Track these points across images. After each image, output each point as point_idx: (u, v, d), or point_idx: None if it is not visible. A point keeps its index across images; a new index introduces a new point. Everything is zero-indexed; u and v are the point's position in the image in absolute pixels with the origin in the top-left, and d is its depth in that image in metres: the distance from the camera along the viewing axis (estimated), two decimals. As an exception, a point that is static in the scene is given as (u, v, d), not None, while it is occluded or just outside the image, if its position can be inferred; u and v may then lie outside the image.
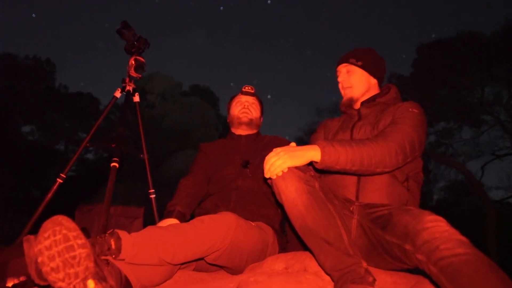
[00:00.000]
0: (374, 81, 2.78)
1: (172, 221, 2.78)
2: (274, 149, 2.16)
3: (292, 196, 2.04)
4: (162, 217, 2.88)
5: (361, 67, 2.75)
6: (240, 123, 3.41)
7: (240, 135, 3.42)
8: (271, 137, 3.46)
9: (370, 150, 2.19)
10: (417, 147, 2.33)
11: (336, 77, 2.86)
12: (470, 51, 19.44)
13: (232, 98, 3.57)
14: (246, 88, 3.51)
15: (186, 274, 2.40)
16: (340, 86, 2.84)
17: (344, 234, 2.01)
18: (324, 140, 2.24)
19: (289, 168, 2.08)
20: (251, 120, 3.43)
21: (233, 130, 3.50)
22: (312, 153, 2.14)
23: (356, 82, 2.75)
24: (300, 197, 2.03)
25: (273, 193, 2.23)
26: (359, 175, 2.41)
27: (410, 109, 2.47)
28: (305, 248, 2.18)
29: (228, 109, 3.56)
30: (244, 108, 3.44)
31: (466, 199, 22.68)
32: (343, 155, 2.14)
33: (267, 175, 2.15)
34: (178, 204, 2.92)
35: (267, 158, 2.15)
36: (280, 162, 2.09)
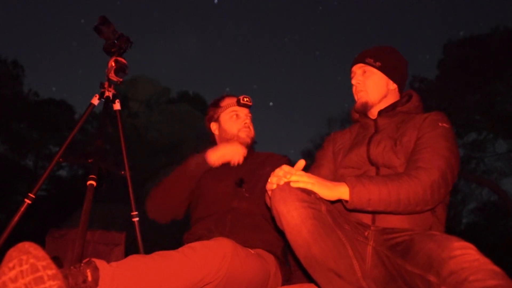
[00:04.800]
0: (393, 86, 2.74)
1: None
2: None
3: (295, 221, 2.03)
4: (146, 243, 2.86)
5: (379, 68, 2.70)
6: (241, 143, 3.31)
7: None
8: (267, 154, 3.44)
9: (409, 187, 2.17)
10: (456, 172, 2.33)
11: (350, 78, 2.82)
12: (506, 50, 19.40)
13: (217, 104, 3.47)
14: (245, 99, 3.37)
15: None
16: (354, 89, 2.80)
17: (356, 265, 2.00)
18: (354, 177, 2.24)
19: (291, 189, 2.08)
20: (252, 139, 3.40)
21: None
22: (342, 189, 2.16)
23: (372, 86, 2.71)
24: (305, 223, 2.01)
25: (272, 218, 2.23)
26: (397, 214, 2.34)
27: (440, 124, 2.45)
28: (311, 279, 2.17)
29: (215, 118, 3.47)
30: (246, 128, 3.36)
31: (500, 223, 22.60)
32: (375, 195, 2.14)
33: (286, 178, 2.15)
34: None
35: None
36: (307, 180, 2.13)
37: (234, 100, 3.40)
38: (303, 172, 2.18)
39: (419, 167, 2.27)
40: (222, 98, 3.48)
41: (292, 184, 2.11)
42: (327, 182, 2.18)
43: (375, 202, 2.15)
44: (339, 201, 2.23)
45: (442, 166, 2.25)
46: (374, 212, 2.30)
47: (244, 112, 3.39)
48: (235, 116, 3.37)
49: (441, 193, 2.23)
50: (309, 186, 2.11)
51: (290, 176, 2.14)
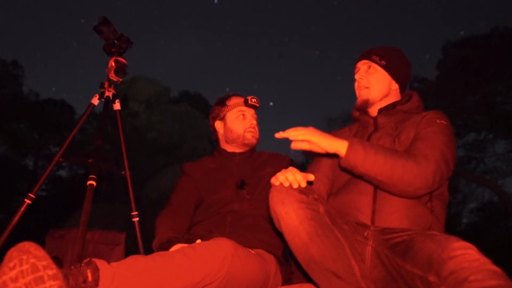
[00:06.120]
0: (395, 86, 2.75)
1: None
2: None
3: (294, 223, 2.03)
4: (146, 243, 2.84)
5: (384, 67, 2.71)
6: (246, 144, 3.32)
7: (234, 153, 3.36)
8: (269, 154, 3.42)
9: (406, 164, 2.19)
10: (451, 166, 2.33)
11: (353, 74, 2.82)
12: (505, 50, 19.38)
13: (224, 102, 3.43)
14: (253, 100, 3.34)
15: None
16: (356, 85, 2.80)
17: (355, 265, 2.01)
18: (358, 138, 2.26)
19: (289, 190, 2.08)
20: (257, 140, 3.38)
21: (225, 146, 3.42)
22: (340, 144, 2.19)
23: (375, 83, 2.71)
24: (303, 224, 2.02)
25: (271, 219, 2.23)
26: (386, 191, 2.35)
27: (438, 121, 2.46)
28: (311, 280, 2.18)
29: (221, 117, 3.42)
30: (252, 128, 3.34)
31: (501, 223, 22.57)
32: (371, 159, 2.16)
33: (282, 134, 2.20)
34: (168, 232, 2.83)
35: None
36: (305, 132, 2.17)
37: (241, 100, 3.38)
38: (299, 127, 2.21)
39: (417, 154, 2.28)
40: (228, 97, 3.45)
41: (292, 137, 2.18)
42: (326, 134, 2.22)
43: (369, 165, 2.16)
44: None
45: (437, 157, 2.26)
46: (363, 177, 2.29)
47: (250, 112, 3.37)
48: (241, 116, 3.34)
49: (435, 181, 2.24)
50: (307, 137, 2.16)
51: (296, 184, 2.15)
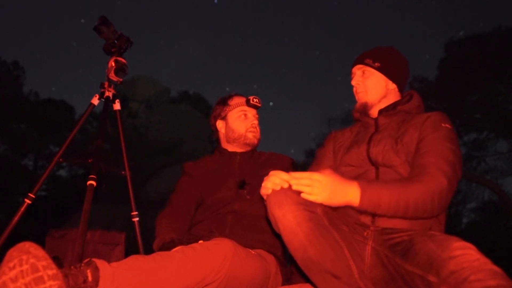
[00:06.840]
0: (393, 86, 2.74)
1: None
2: (315, 176, 2.12)
3: (291, 225, 2.02)
4: (146, 243, 2.84)
5: (378, 69, 2.71)
6: (248, 144, 3.33)
7: (235, 152, 3.36)
8: (269, 154, 3.42)
9: (419, 195, 2.16)
10: (459, 174, 2.32)
11: (351, 79, 2.83)
12: (506, 50, 19.34)
13: (226, 102, 3.44)
14: (255, 100, 3.35)
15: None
16: (354, 90, 2.81)
17: (353, 266, 2.00)
18: (364, 180, 2.22)
19: (286, 192, 2.07)
20: (258, 140, 3.39)
21: (226, 146, 3.42)
22: (351, 194, 2.12)
23: (371, 87, 2.72)
24: (300, 226, 2.01)
25: (268, 221, 2.22)
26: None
27: (443, 124, 2.44)
28: (309, 281, 2.17)
29: (222, 116, 3.43)
30: (254, 128, 3.35)
31: (500, 223, 22.53)
32: (385, 201, 2.13)
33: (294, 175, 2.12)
34: (170, 233, 2.82)
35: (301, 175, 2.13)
36: (320, 185, 2.08)
37: (243, 99, 3.38)
38: (302, 176, 2.12)
39: (428, 173, 2.24)
40: (230, 96, 3.46)
41: (301, 183, 2.09)
42: (337, 190, 2.11)
43: (385, 208, 2.14)
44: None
45: (449, 173, 2.23)
46: (379, 215, 2.28)
47: (252, 112, 3.38)
48: (243, 116, 3.34)
49: (448, 199, 2.23)
50: (312, 198, 2.08)
51: (287, 184, 2.11)
